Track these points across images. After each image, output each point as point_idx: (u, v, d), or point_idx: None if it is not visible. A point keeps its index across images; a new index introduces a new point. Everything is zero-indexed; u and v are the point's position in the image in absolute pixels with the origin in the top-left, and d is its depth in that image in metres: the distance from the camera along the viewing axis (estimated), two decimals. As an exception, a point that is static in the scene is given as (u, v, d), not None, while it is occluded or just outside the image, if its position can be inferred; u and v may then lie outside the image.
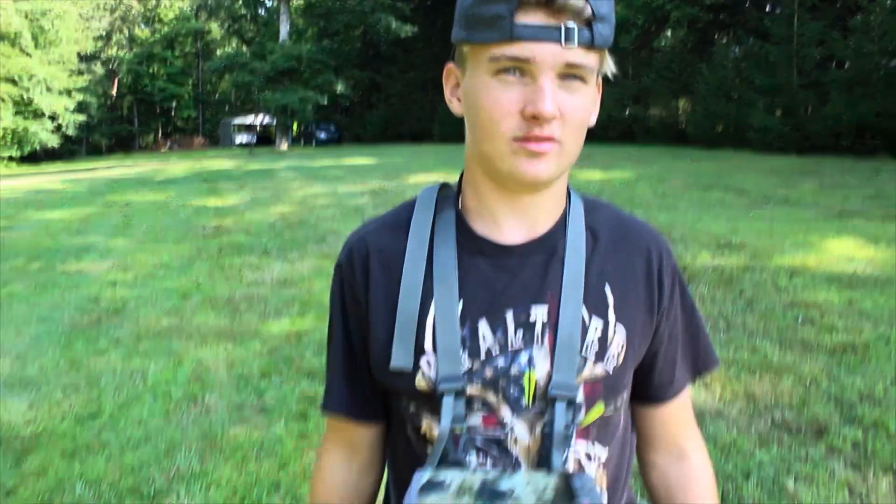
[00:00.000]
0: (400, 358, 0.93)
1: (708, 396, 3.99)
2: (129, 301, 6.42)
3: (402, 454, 1.02)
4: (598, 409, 0.95)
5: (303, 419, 4.00)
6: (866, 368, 4.26)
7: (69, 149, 45.01)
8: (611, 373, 0.94)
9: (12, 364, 5.10)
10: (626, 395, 1.01)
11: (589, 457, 0.96)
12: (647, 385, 1.04)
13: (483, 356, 0.92)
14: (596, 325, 0.93)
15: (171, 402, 4.31)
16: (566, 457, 0.92)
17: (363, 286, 0.98)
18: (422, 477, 0.85)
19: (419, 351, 0.93)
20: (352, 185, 14.96)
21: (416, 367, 0.93)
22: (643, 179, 13.82)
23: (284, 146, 37.45)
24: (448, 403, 0.90)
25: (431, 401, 0.93)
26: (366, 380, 1.02)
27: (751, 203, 10.53)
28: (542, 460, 0.92)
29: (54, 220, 12.20)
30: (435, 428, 0.93)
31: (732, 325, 5.04)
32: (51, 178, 24.38)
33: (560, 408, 0.90)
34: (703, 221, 8.98)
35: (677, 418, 1.09)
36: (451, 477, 0.85)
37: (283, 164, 22.50)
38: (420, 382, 0.93)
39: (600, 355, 0.93)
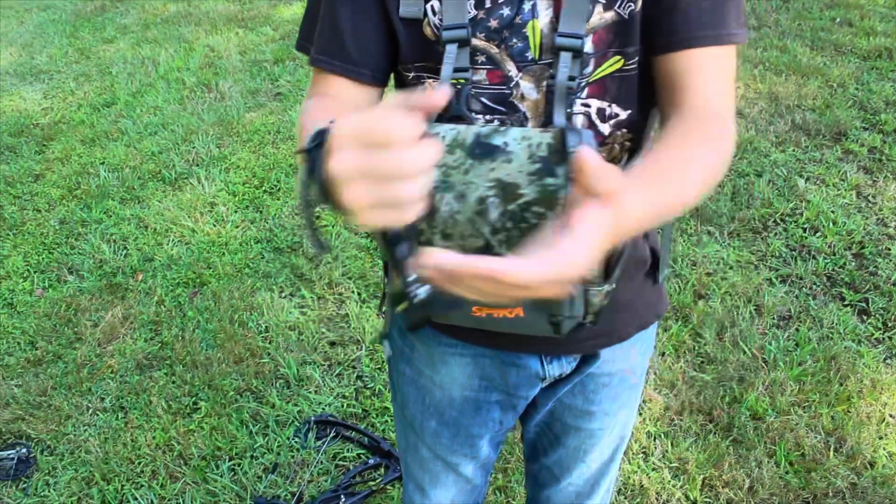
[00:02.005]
0: (408, 4, 0.86)
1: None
2: (133, -14, 6.13)
3: None
4: (615, 63, 0.88)
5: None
6: (898, 74, 4.11)
7: None
8: (625, 18, 0.85)
9: (20, 53, 5.01)
10: (642, 48, 0.88)
11: (603, 115, 0.90)
12: (657, 28, 0.87)
13: (489, 3, 0.85)
14: None
15: (185, 88, 4.28)
16: (571, 112, 0.87)
17: None
18: None
19: None
20: None
21: (423, 14, 0.87)
22: None
23: None
24: (451, 52, 0.85)
25: (435, 56, 0.87)
26: (375, 33, 0.92)
27: None
28: (549, 116, 0.88)
29: None
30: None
31: (764, 23, 4.80)
32: None
33: (565, 58, 0.83)
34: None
35: (691, 72, 0.88)
36: (445, 130, 0.80)
37: None
38: (426, 29, 0.87)
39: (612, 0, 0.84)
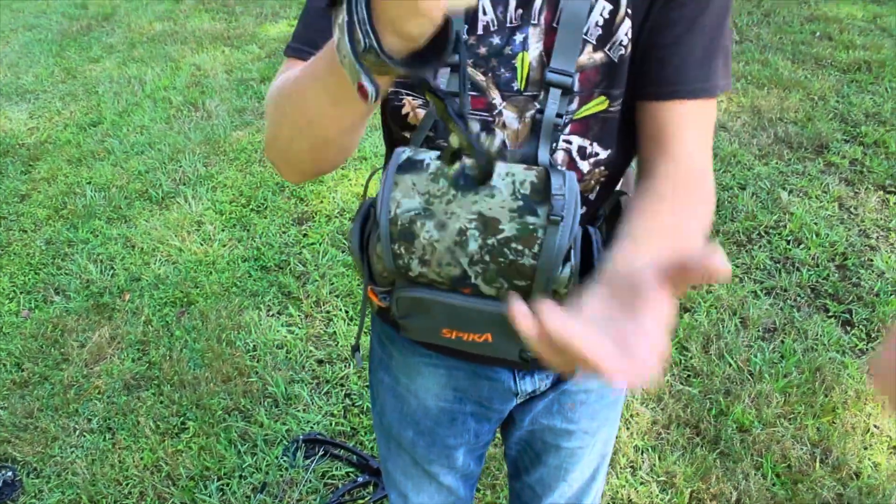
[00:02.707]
0: None
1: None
2: (118, 6, 6.14)
3: (388, 134, 0.99)
4: (600, 103, 0.87)
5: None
6: (878, 87, 4.17)
7: None
8: (615, 61, 0.85)
9: (5, 73, 5.00)
10: (627, 91, 0.89)
11: (583, 153, 0.90)
12: (649, 78, 0.88)
13: (480, 31, 0.85)
14: (602, 6, 0.83)
15: (171, 107, 4.28)
16: (555, 148, 0.88)
17: None
18: (402, 154, 0.83)
19: None
20: None
21: None
22: None
23: None
24: (444, 75, 0.85)
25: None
26: None
27: None
28: (523, 147, 0.88)
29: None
30: (417, 108, 0.89)
31: (746, 37, 4.86)
32: None
33: (554, 94, 0.84)
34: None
35: (679, 120, 0.89)
36: (431, 157, 0.82)
37: None
38: None
39: (603, 41, 0.84)
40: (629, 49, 0.86)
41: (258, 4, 5.85)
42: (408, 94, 0.89)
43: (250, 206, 3.34)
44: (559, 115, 0.85)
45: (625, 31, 0.84)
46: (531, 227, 0.79)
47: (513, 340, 0.88)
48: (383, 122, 1.01)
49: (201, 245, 3.11)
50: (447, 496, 1.25)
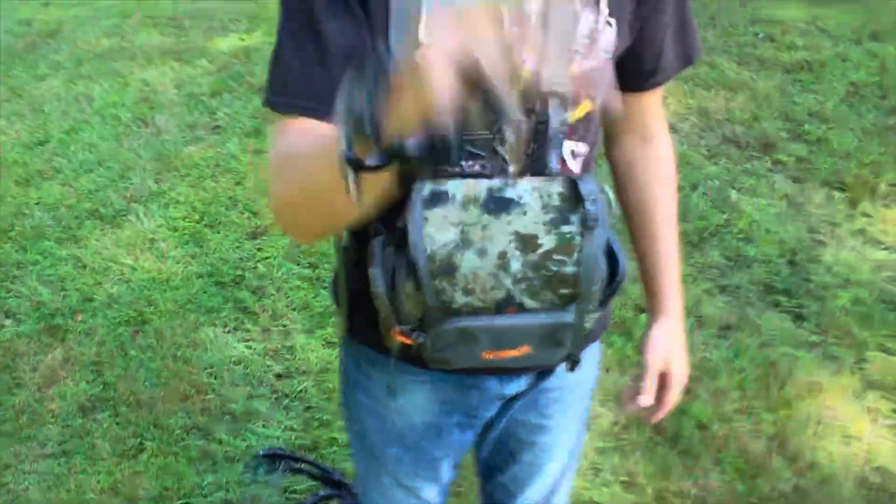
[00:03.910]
0: (400, 53, 0.85)
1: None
2: (65, 22, 6.02)
3: None
4: (585, 106, 0.93)
5: (256, 136, 3.95)
6: (819, 86, 4.27)
7: None
8: (599, 67, 0.91)
9: (-53, 90, 4.88)
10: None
11: (573, 154, 0.95)
12: (631, 74, 1.01)
13: None
14: (587, 17, 0.88)
15: (120, 124, 4.21)
16: (561, 155, 0.91)
17: None
18: (423, 188, 0.81)
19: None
20: None
21: None
22: None
23: None
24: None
25: None
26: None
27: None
28: (530, 160, 0.90)
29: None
30: None
31: (693, 43, 4.95)
32: None
33: (554, 105, 0.87)
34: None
35: (652, 105, 1.10)
36: (454, 187, 0.82)
37: None
38: None
39: (590, 49, 0.89)
40: (611, 53, 0.92)
41: (207, 18, 5.79)
42: None
43: (204, 222, 3.30)
44: (563, 124, 0.88)
45: (607, 38, 0.90)
46: (568, 235, 0.82)
47: (553, 348, 0.90)
48: None
49: (155, 263, 3.07)
50: None
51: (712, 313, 2.66)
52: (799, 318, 2.66)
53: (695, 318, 2.64)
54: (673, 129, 3.81)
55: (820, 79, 4.36)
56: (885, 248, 2.97)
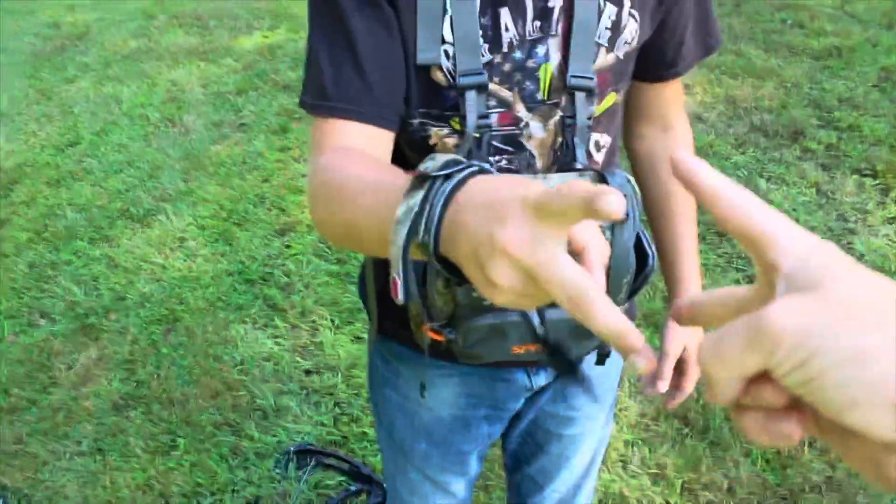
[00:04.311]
0: (426, 51, 0.84)
1: (689, 100, 3.98)
2: (92, 25, 6.11)
3: (402, 167, 0.96)
4: (610, 99, 0.94)
5: (282, 133, 3.99)
6: (850, 73, 4.21)
7: None
8: (622, 59, 0.92)
9: (-20, 94, 4.97)
10: (630, 80, 1.00)
11: (598, 146, 0.97)
12: (652, 64, 1.02)
13: (505, 48, 0.86)
14: (610, 11, 0.88)
15: (149, 124, 4.27)
16: (587, 149, 0.92)
17: None
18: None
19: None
20: None
21: (436, 59, 0.85)
22: None
23: None
24: (472, 99, 0.84)
25: (442, 102, 0.87)
26: (398, 77, 0.87)
27: None
28: (556, 154, 0.91)
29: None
30: (445, 137, 0.89)
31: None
32: None
33: (581, 98, 0.87)
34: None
35: (672, 95, 1.10)
36: None
37: None
38: (437, 75, 0.86)
39: (613, 42, 0.89)
40: (633, 45, 0.92)
41: (231, 17, 5.84)
42: (433, 125, 0.90)
43: (232, 220, 3.33)
44: (589, 118, 0.89)
45: (630, 30, 0.91)
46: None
47: (582, 340, 0.89)
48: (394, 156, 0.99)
49: (185, 261, 3.11)
50: (452, 501, 1.27)
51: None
52: (830, 307, 2.62)
53: (723, 310, 2.61)
54: (700, 118, 3.78)
55: (850, 64, 4.30)
56: (918, 236, 2.93)
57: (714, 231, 3.00)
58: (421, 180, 0.54)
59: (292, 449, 2.23)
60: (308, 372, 2.53)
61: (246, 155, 3.82)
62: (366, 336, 2.57)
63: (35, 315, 2.91)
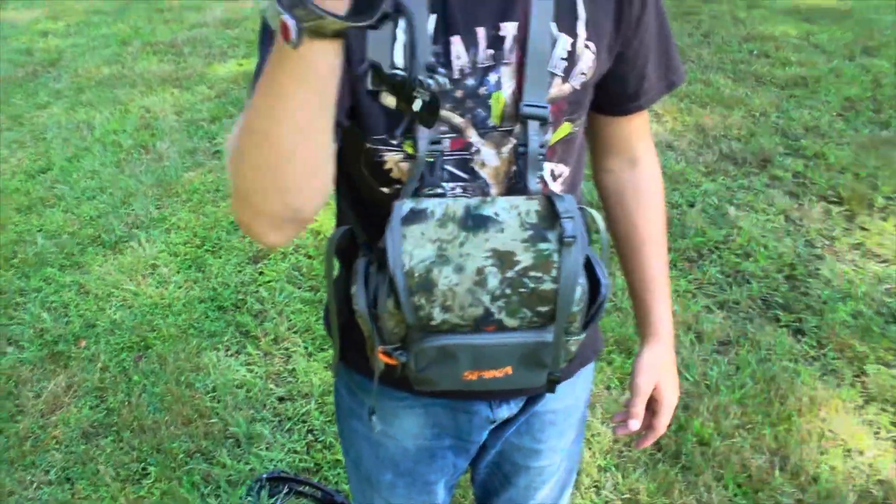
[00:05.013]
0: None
1: (659, 128, 4.05)
2: (65, 51, 6.10)
3: (358, 193, 0.97)
4: (565, 129, 0.94)
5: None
6: (815, 102, 4.31)
7: None
8: (578, 89, 0.92)
9: (-50, 120, 4.92)
10: (587, 111, 1.00)
11: (553, 175, 0.96)
12: (614, 97, 1.02)
13: (456, 75, 0.87)
14: (564, 41, 0.89)
15: (121, 151, 4.25)
16: (540, 177, 0.92)
17: None
18: (402, 207, 0.84)
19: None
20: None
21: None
22: None
23: None
24: (423, 129, 0.86)
25: (395, 126, 0.87)
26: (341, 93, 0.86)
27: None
28: (511, 182, 0.91)
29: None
30: (399, 162, 0.90)
31: (687, 58, 4.99)
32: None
33: (533, 127, 0.88)
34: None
35: (637, 129, 1.10)
36: (433, 205, 0.84)
37: None
38: (388, 100, 0.87)
39: (568, 72, 0.90)
40: (590, 76, 0.92)
41: (206, 45, 5.86)
42: (387, 150, 0.90)
43: (205, 247, 3.32)
44: (542, 146, 0.90)
45: (586, 61, 0.91)
46: (546, 252, 0.83)
47: (534, 369, 0.90)
48: (340, 187, 1.01)
49: (157, 288, 3.09)
50: None
51: (711, 329, 2.67)
52: (798, 332, 2.66)
53: (694, 334, 2.65)
54: (670, 146, 3.85)
55: (815, 94, 4.40)
56: (883, 261, 2.99)
57: (684, 258, 3.04)
58: None
59: (265, 476, 2.21)
60: (281, 399, 2.51)
61: (220, 182, 3.81)
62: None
63: (2, 342, 2.87)
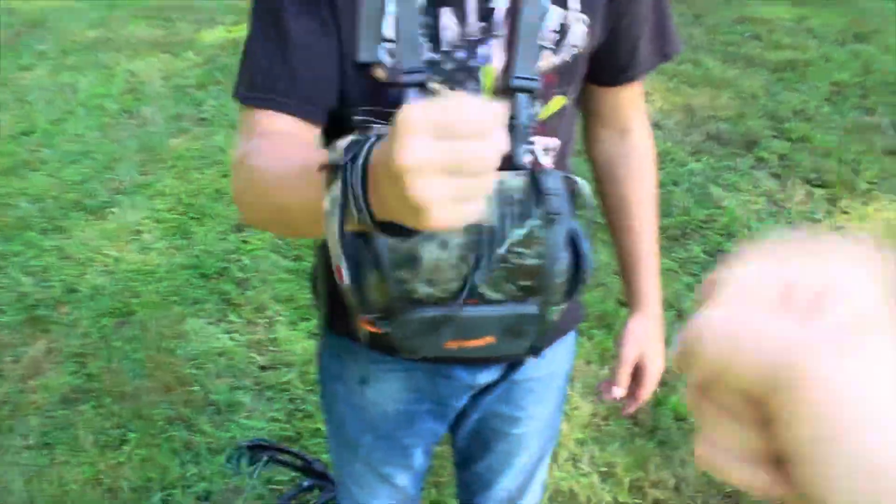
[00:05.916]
0: (366, 49, 0.85)
1: (648, 107, 4.03)
2: (50, 13, 6.00)
3: None
4: (557, 102, 0.94)
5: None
6: (804, 85, 4.32)
7: None
8: (569, 61, 0.91)
9: (-68, 80, 4.85)
10: (580, 84, 0.99)
11: (545, 150, 0.96)
12: (606, 68, 1.01)
13: (445, 47, 0.87)
14: (556, 13, 0.88)
15: (106, 115, 4.21)
16: (527, 150, 0.92)
17: None
18: None
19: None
20: None
21: (377, 57, 0.86)
22: None
23: None
24: (413, 97, 0.85)
25: (384, 99, 0.88)
26: (330, 73, 0.88)
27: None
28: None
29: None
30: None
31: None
32: None
33: (523, 100, 0.88)
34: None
35: (630, 100, 1.10)
36: None
37: None
38: (378, 72, 0.87)
39: (558, 44, 0.90)
40: (583, 48, 0.92)
41: (195, 11, 5.78)
42: (376, 123, 0.90)
43: (189, 214, 3.30)
44: (531, 119, 0.90)
45: (578, 34, 0.90)
46: (530, 229, 0.83)
47: (516, 338, 0.91)
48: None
49: (139, 254, 3.07)
50: (399, 498, 1.27)
51: (692, 307, 2.68)
52: (778, 313, 2.69)
53: (675, 312, 2.67)
54: (657, 125, 3.85)
55: (804, 78, 4.41)
56: (864, 245, 3.01)
57: (667, 235, 3.05)
58: (333, 171, 0.58)
59: (245, 444, 2.22)
60: (263, 368, 2.52)
61: (205, 149, 3.78)
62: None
63: (-17, 306, 2.85)
